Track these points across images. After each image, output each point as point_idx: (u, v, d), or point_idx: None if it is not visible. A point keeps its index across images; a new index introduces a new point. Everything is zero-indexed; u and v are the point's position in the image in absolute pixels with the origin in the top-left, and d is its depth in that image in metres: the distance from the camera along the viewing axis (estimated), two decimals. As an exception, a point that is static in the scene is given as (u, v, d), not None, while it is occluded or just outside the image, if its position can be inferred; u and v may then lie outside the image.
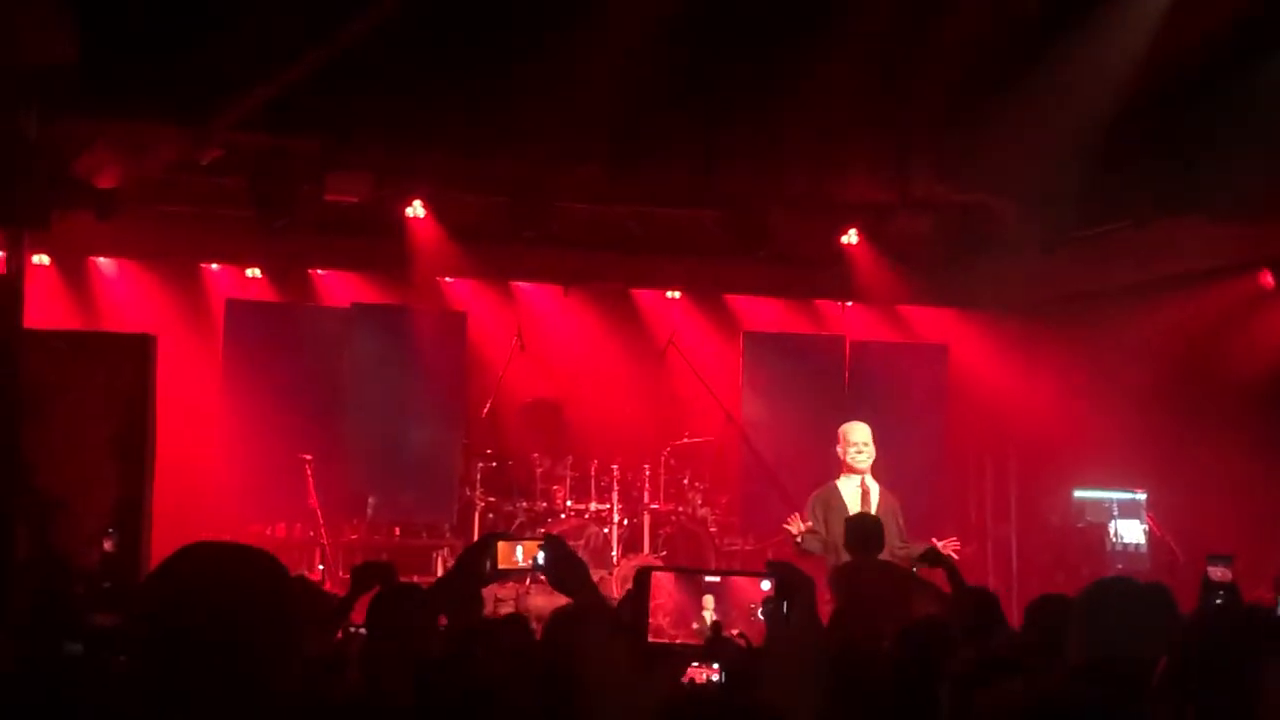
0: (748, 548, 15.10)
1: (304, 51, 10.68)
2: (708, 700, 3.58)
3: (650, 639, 3.15)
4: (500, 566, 4.79)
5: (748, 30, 12.21)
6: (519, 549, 4.75)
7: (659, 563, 13.91)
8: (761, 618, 3.00)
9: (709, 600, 3.28)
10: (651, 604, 3.11)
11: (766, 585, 3.07)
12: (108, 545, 11.32)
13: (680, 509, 14.78)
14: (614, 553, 14.26)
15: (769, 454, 15.41)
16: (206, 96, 11.17)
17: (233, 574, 2.84)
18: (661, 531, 14.68)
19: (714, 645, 3.29)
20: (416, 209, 14.43)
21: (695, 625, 3.28)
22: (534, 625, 9.60)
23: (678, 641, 3.25)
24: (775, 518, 14.62)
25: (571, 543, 13.53)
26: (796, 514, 11.38)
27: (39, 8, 9.83)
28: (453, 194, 14.51)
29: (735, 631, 3.29)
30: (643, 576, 3.13)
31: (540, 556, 4.55)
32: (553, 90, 11.84)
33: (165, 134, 11.95)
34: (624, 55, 11.57)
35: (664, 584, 3.11)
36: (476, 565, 4.76)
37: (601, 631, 2.87)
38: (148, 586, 2.86)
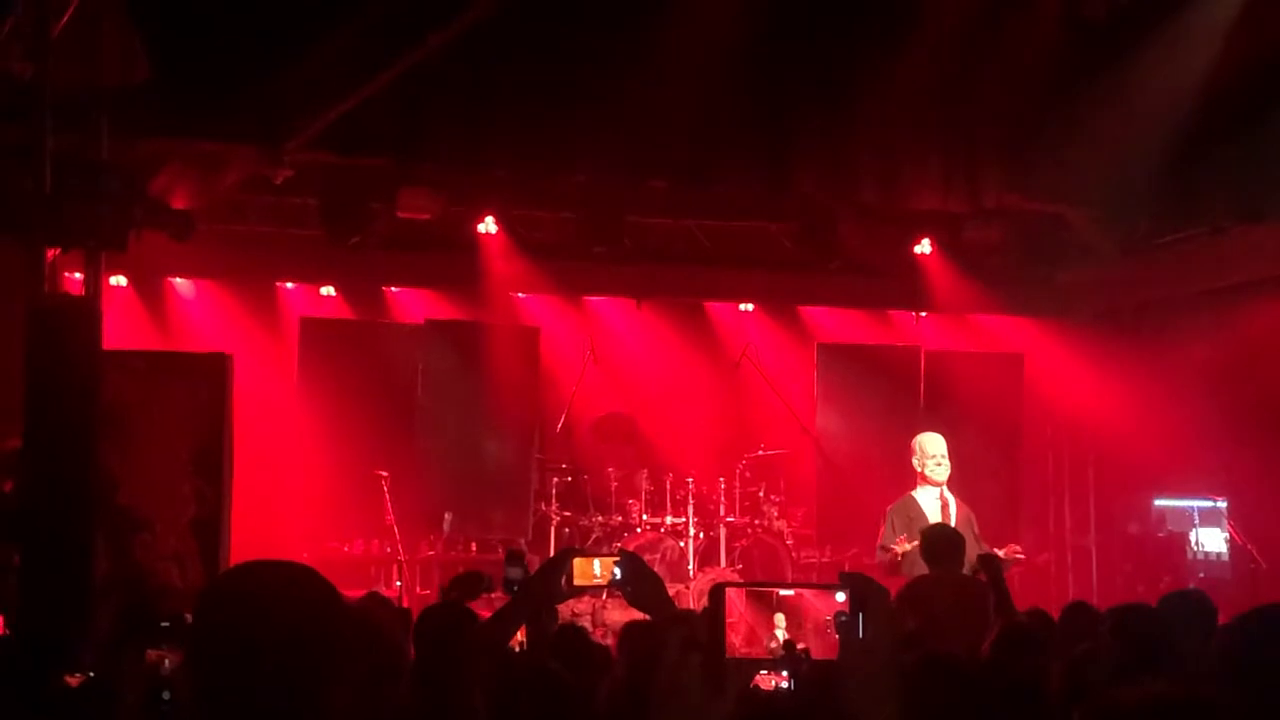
0: (825, 560, 15.06)
1: (374, 71, 10.74)
2: (781, 708, 3.56)
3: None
4: (576, 583, 4.76)
5: (816, 41, 12.18)
6: (596, 565, 4.72)
7: (736, 576, 13.87)
8: (835, 631, 3.00)
9: (780, 619, 3.26)
10: (726, 620, 3.10)
11: (841, 597, 3.06)
12: None
13: (756, 522, 14.72)
14: (690, 566, 14.23)
15: (845, 465, 15.35)
16: (278, 116, 11.26)
17: (280, 594, 2.84)
18: (738, 544, 14.62)
19: (787, 656, 3.28)
20: (488, 225, 14.51)
21: (769, 644, 3.26)
22: (610, 640, 9.59)
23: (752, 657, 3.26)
24: (852, 529, 14.60)
25: (647, 557, 13.73)
26: (903, 536, 11.18)
27: (112, 29, 9.94)
28: (524, 210, 14.58)
29: (802, 646, 3.27)
30: (717, 593, 3.12)
31: (617, 572, 4.53)
32: (622, 104, 11.84)
33: (238, 154, 12.07)
34: (693, 68, 11.56)
35: (735, 603, 3.09)
36: (552, 581, 4.75)
37: (676, 647, 2.88)
38: (199, 604, 2.88)
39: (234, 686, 2.76)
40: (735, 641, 3.15)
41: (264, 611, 2.81)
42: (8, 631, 9.14)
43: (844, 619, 2.93)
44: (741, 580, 13.66)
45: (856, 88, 12.18)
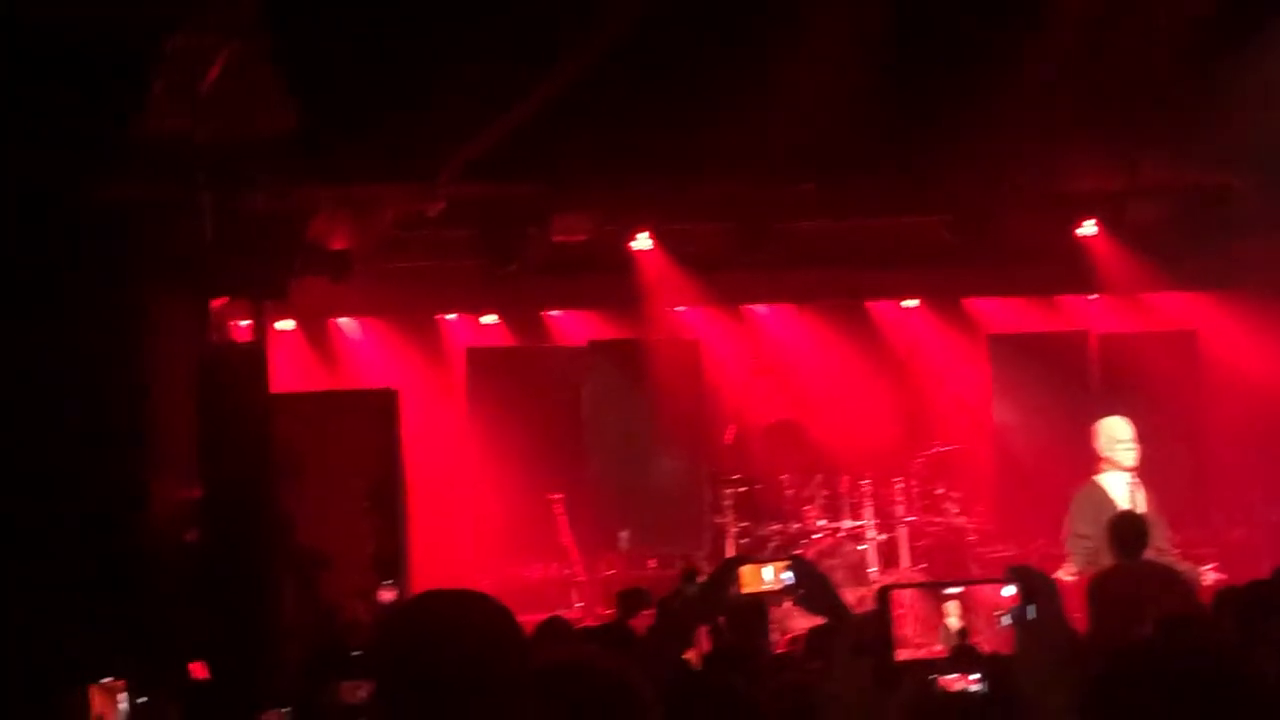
0: (1010, 554, 14.81)
1: (518, 98, 10.81)
2: (967, 709, 3.48)
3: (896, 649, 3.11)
4: (746, 590, 4.74)
5: (959, 28, 12.02)
6: (766, 571, 4.70)
7: (920, 576, 13.73)
8: (1007, 625, 2.94)
9: (952, 607, 3.20)
10: (895, 613, 3.06)
11: (1009, 591, 2.99)
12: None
13: (937, 520, 14.60)
14: (872, 569, 14.11)
15: (1023, 456, 15.17)
16: (427, 151, 11.37)
17: (455, 620, 2.89)
18: (919, 544, 14.50)
19: (960, 654, 3.21)
20: (643, 242, 14.49)
21: (940, 633, 3.20)
22: (797, 647, 9.51)
23: (922, 651, 3.19)
24: (1035, 521, 14.37)
25: (827, 562, 13.67)
26: (1065, 563, 10.93)
27: (258, 81, 10.10)
28: (677, 224, 14.55)
29: (979, 639, 3.20)
30: (883, 595, 3.07)
31: (787, 577, 4.49)
32: (766, 109, 11.78)
33: (390, 192, 12.23)
34: (834, 67, 11.47)
35: (904, 597, 3.05)
36: (719, 592, 4.73)
37: (844, 652, 2.84)
38: (380, 636, 2.92)
39: (416, 712, 2.81)
40: (906, 634, 3.10)
41: (440, 639, 2.86)
42: (209, 677, 9.30)
43: (1015, 612, 2.89)
44: (924, 579, 13.56)
45: (1002, 71, 11.99)
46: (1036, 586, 2.92)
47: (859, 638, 2.85)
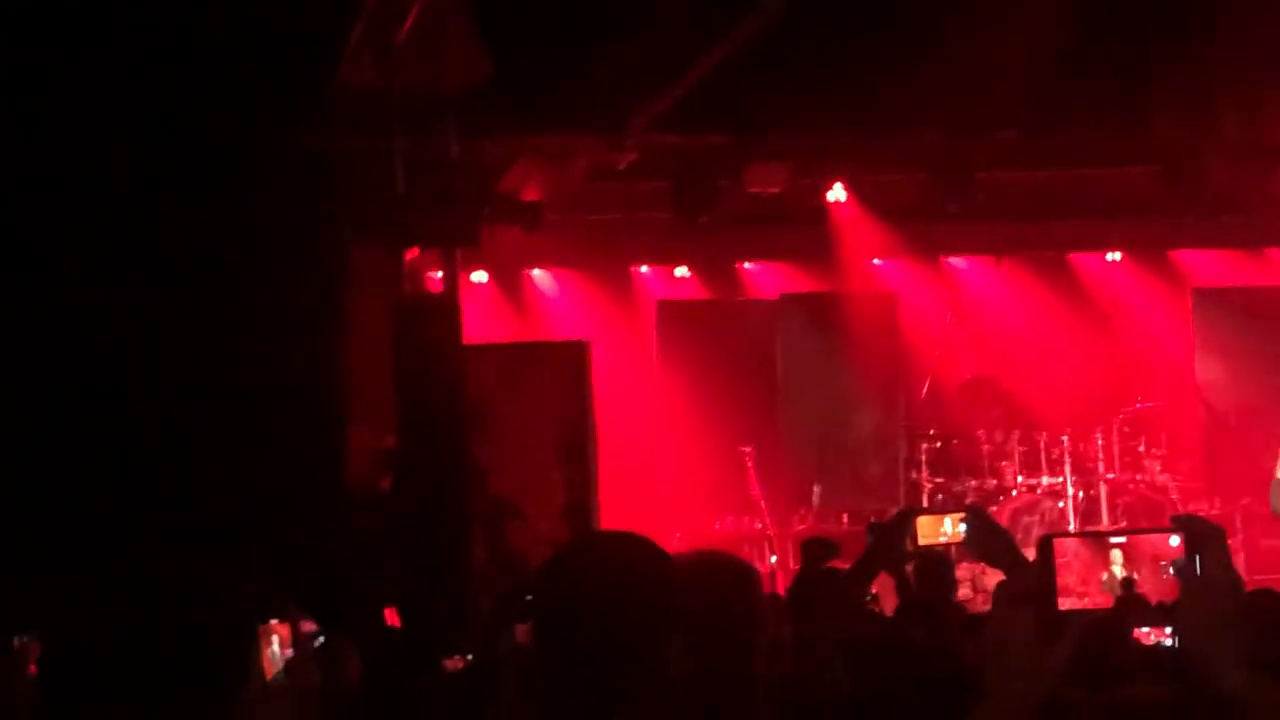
0: (1214, 511, 14.47)
1: (709, 47, 10.73)
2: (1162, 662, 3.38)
3: (1059, 598, 3.03)
4: (922, 542, 4.66)
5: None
6: (945, 522, 4.60)
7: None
8: (1173, 575, 2.86)
9: (1117, 555, 3.10)
10: (1057, 562, 2.99)
11: (1175, 541, 2.91)
12: None
13: (1138, 477, 14.35)
14: (1071, 526, 13.91)
15: (1228, 413, 14.80)
16: (618, 102, 11.37)
17: (610, 561, 2.93)
18: (1120, 501, 14.29)
19: (1127, 604, 3.12)
20: (838, 193, 14.36)
21: (1103, 581, 3.10)
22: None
23: (1085, 601, 3.10)
24: (1242, 479, 14.01)
25: (1025, 518, 13.49)
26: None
27: (455, 31, 10.18)
28: (873, 174, 14.39)
29: (1144, 589, 3.11)
30: (1046, 544, 2.99)
31: (963, 528, 4.39)
32: (963, 57, 11.56)
33: (582, 143, 12.25)
34: (1035, 11, 11.22)
35: (1067, 546, 2.98)
36: (895, 543, 4.66)
37: (1004, 602, 2.79)
38: (538, 576, 2.96)
39: (568, 649, 2.88)
40: (1069, 583, 3.01)
41: (591, 577, 2.92)
42: (400, 624, 9.46)
43: (1181, 562, 2.81)
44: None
45: (1209, 13, 11.63)
46: (1203, 537, 2.82)
47: (1019, 588, 2.79)
